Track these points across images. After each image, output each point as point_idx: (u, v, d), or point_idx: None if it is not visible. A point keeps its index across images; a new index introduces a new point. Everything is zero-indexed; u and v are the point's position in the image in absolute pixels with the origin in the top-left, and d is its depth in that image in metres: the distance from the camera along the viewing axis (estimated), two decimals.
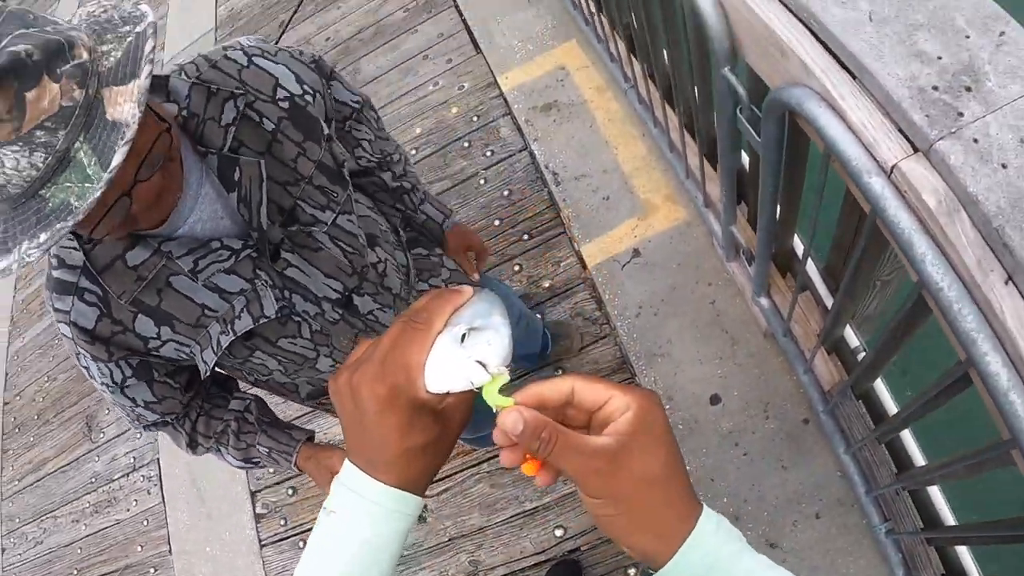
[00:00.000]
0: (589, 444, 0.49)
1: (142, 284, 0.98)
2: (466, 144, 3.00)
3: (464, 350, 0.53)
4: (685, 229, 2.24)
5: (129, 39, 0.76)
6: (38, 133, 0.68)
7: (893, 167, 0.93)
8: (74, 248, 0.96)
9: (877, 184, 0.94)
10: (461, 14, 3.55)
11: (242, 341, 1.07)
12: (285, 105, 1.04)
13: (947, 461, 1.24)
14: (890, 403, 1.71)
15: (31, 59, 0.68)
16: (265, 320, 1.06)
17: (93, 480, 3.42)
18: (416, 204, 1.45)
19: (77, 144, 0.70)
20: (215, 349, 1.06)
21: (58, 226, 0.71)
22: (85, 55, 0.71)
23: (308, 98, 1.07)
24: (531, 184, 2.71)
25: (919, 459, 1.66)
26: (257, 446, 1.26)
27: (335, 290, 1.14)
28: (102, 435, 3.50)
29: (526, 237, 2.59)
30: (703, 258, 2.16)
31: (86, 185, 0.71)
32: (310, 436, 1.34)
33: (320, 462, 1.30)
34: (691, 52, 1.65)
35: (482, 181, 2.85)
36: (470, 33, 3.43)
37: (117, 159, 0.71)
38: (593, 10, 2.68)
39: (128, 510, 3.25)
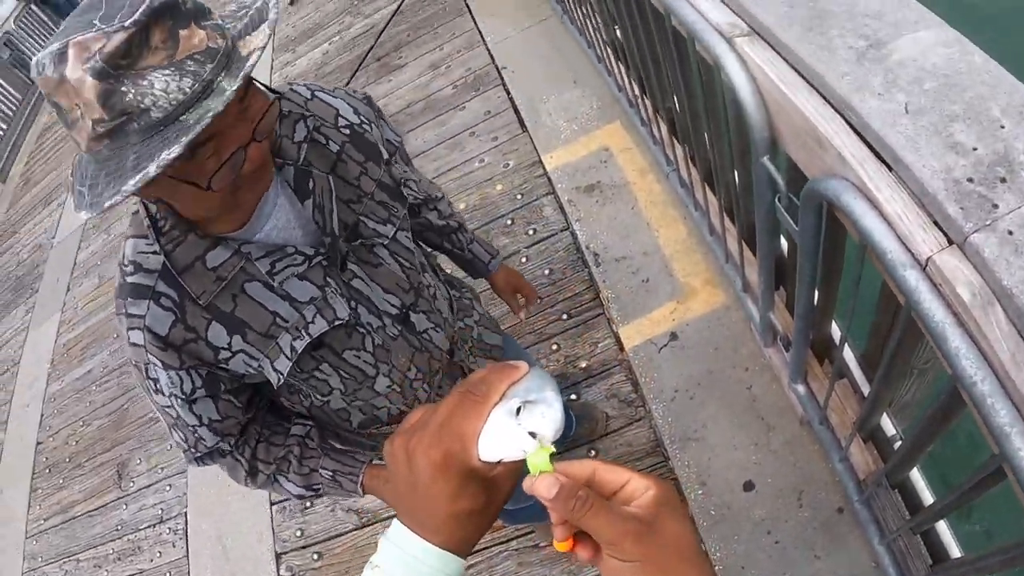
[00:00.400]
0: (624, 510, 0.52)
1: (221, 284, 1.02)
2: (509, 221, 3.08)
3: (518, 422, 0.57)
4: (723, 313, 2.27)
5: (252, 8, 0.89)
6: (188, 63, 0.78)
7: (928, 260, 0.95)
8: (153, 252, 1.00)
9: (912, 277, 0.97)
10: (508, 93, 3.71)
11: (311, 352, 1.12)
12: (346, 132, 1.15)
13: (983, 554, 1.23)
14: (926, 493, 1.68)
15: (184, 6, 0.79)
16: (339, 323, 1.12)
17: (119, 528, 3.44)
18: (465, 243, 1.58)
19: (219, 78, 0.80)
20: (288, 355, 1.10)
21: (193, 134, 0.77)
22: (217, 18, 0.84)
23: (366, 127, 1.18)
24: (572, 264, 2.76)
25: (955, 551, 1.63)
26: (320, 470, 1.26)
27: (394, 305, 1.21)
28: (132, 484, 3.54)
29: (565, 317, 2.63)
30: (740, 343, 2.18)
31: (214, 99, 0.80)
32: (375, 456, 1.33)
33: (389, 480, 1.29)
34: (732, 139, 1.71)
35: (524, 259, 2.91)
36: (517, 112, 3.57)
37: (247, 69, 0.81)
38: (637, 93, 2.79)
39: (151, 560, 3.26)
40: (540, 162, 3.22)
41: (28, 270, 6.14)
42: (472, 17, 4.48)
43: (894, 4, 1.18)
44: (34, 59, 0.79)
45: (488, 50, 4.09)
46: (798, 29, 1.21)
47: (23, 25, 10.54)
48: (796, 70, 1.20)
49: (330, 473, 1.26)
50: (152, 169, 0.75)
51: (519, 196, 3.16)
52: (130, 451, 3.70)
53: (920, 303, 0.96)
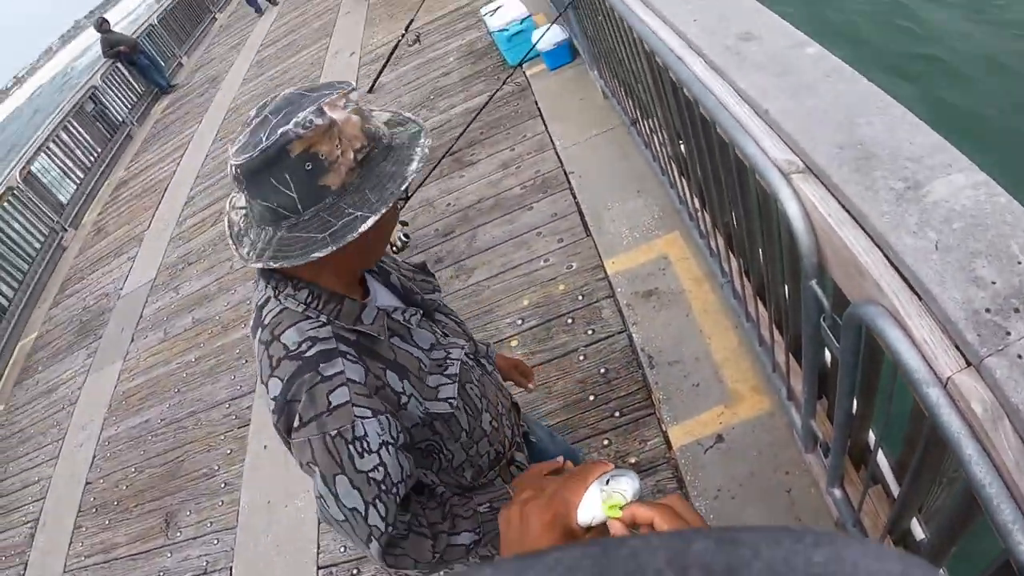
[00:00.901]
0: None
1: (383, 335, 1.17)
2: (569, 320, 3.28)
3: (607, 490, 0.81)
4: (768, 419, 2.43)
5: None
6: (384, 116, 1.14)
7: (948, 379, 1.12)
8: (320, 326, 1.11)
9: (934, 394, 1.14)
10: (575, 197, 3.98)
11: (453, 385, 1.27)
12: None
13: None
14: None
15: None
16: (466, 357, 1.32)
17: (161, 574, 3.57)
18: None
19: (401, 128, 1.13)
20: (452, 377, 1.26)
21: (423, 141, 1.10)
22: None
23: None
24: (627, 364, 2.94)
25: None
26: (478, 507, 1.29)
27: (462, 342, 1.36)
28: (179, 534, 3.69)
29: (617, 414, 2.79)
30: (782, 448, 2.33)
31: (412, 125, 1.13)
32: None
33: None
34: (784, 260, 1.91)
35: (581, 357, 3.09)
36: (582, 216, 3.82)
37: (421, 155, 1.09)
38: (697, 207, 3.03)
39: None
40: (602, 266, 3.44)
41: (93, 316, 6.48)
42: (543, 121, 4.84)
43: (932, 148, 1.38)
44: (291, 124, 0.99)
45: (557, 154, 4.41)
46: (846, 170, 1.43)
47: (108, 81, 11.37)
48: (843, 206, 1.42)
49: (486, 506, 1.27)
50: (413, 167, 1.06)
51: (580, 297, 3.36)
52: (180, 502, 3.86)
53: (940, 416, 1.14)
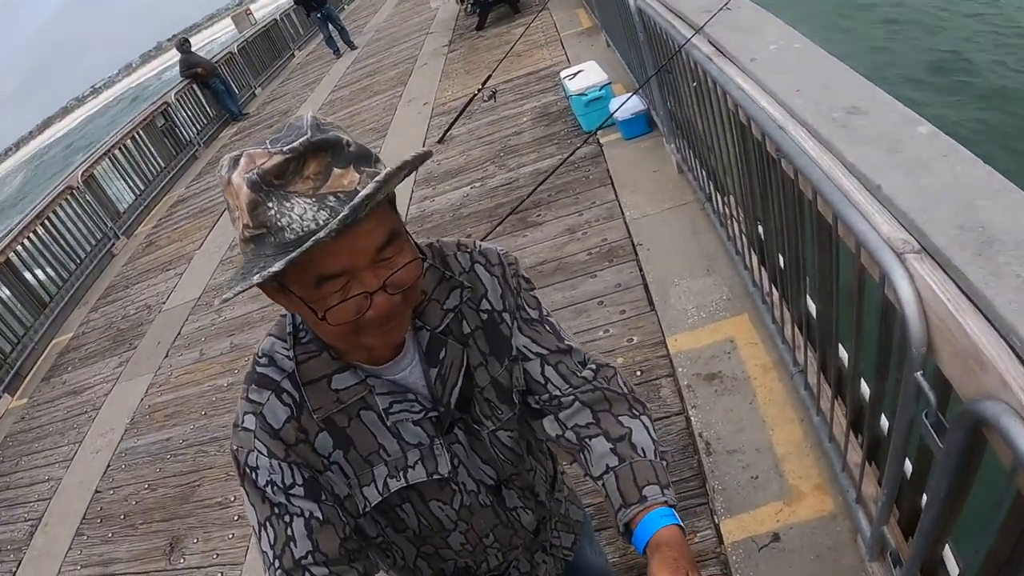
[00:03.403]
0: None
1: (338, 407, 1.08)
2: None
3: None
4: (829, 522, 2.29)
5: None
6: (330, 198, 0.85)
7: None
8: (288, 357, 1.08)
9: None
10: (641, 269, 3.93)
11: (400, 491, 1.15)
12: (484, 317, 1.18)
13: None
14: None
15: (348, 148, 0.89)
16: (437, 477, 1.16)
17: None
18: (594, 474, 1.19)
19: (346, 209, 0.84)
20: (380, 489, 1.14)
21: (295, 254, 0.82)
22: (382, 169, 0.91)
23: (505, 316, 1.21)
24: (682, 449, 2.82)
25: None
26: None
27: (489, 476, 1.25)
28: (182, 560, 3.60)
29: None
30: (843, 554, 2.18)
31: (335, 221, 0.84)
32: None
33: None
34: (877, 350, 1.82)
35: None
36: (647, 289, 3.76)
37: (358, 199, 0.83)
38: (770, 290, 2.96)
39: None
40: (664, 343, 3.36)
41: (131, 326, 6.57)
42: (615, 189, 4.84)
43: None
44: (221, 159, 0.92)
45: (626, 224, 4.38)
46: (968, 253, 1.36)
47: (181, 100, 11.84)
48: (963, 292, 1.34)
49: None
50: (254, 279, 0.84)
51: (639, 372, 3.27)
52: (189, 528, 3.79)
53: None
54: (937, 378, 1.47)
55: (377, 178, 0.85)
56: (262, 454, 1.05)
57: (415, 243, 1.02)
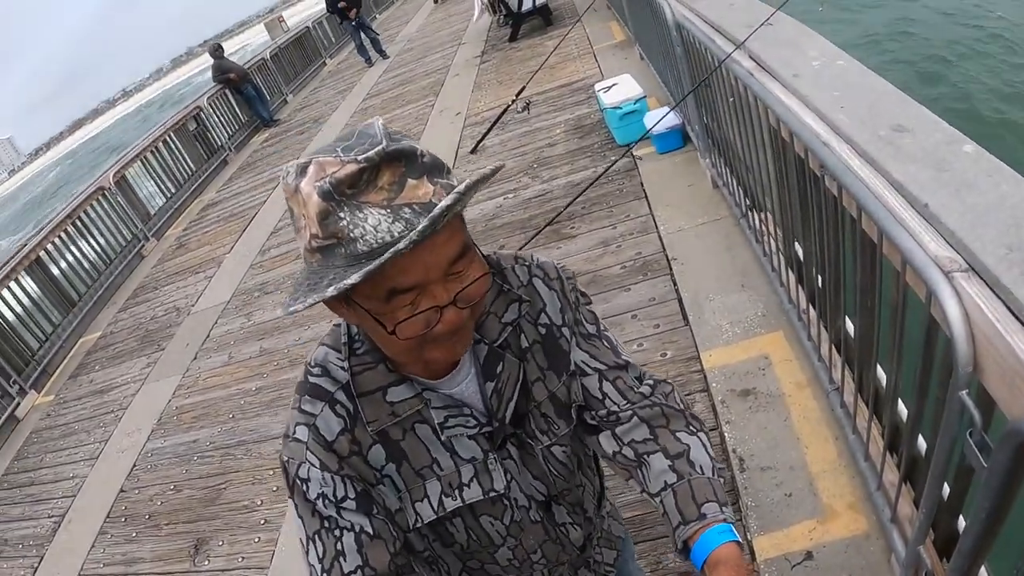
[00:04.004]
0: None
1: (394, 420, 1.07)
2: None
3: None
4: (863, 541, 2.28)
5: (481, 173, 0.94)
6: (405, 210, 0.84)
7: None
8: (343, 368, 1.08)
9: None
10: (675, 284, 3.94)
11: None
12: (543, 331, 1.18)
13: None
14: None
15: (422, 158, 0.88)
16: (493, 494, 1.16)
17: None
18: (651, 490, 1.19)
19: (425, 220, 0.83)
20: (435, 507, 1.13)
21: (372, 266, 0.81)
22: (454, 180, 0.91)
23: (564, 331, 1.20)
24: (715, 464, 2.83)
25: None
26: None
27: (540, 492, 1.24)
28: (207, 562, 3.65)
29: None
30: (876, 573, 2.17)
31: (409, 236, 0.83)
32: None
33: None
34: (918, 370, 1.82)
35: None
36: (681, 304, 3.77)
37: (437, 211, 0.83)
38: (807, 307, 2.97)
39: None
40: (698, 358, 3.37)
41: (160, 327, 6.68)
42: (648, 203, 4.87)
43: None
44: (284, 166, 0.91)
45: (660, 238, 4.41)
46: (1016, 272, 1.37)
47: (213, 105, 12.06)
48: (1012, 311, 1.35)
49: None
50: (329, 292, 0.83)
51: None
52: (214, 530, 3.83)
53: None
54: (982, 397, 1.48)
55: (457, 189, 0.84)
56: (314, 466, 1.05)
57: (483, 256, 1.01)
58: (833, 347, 2.67)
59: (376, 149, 0.84)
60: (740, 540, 1.09)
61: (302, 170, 0.87)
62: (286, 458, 1.07)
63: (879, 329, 2.09)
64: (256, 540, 3.62)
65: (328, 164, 0.84)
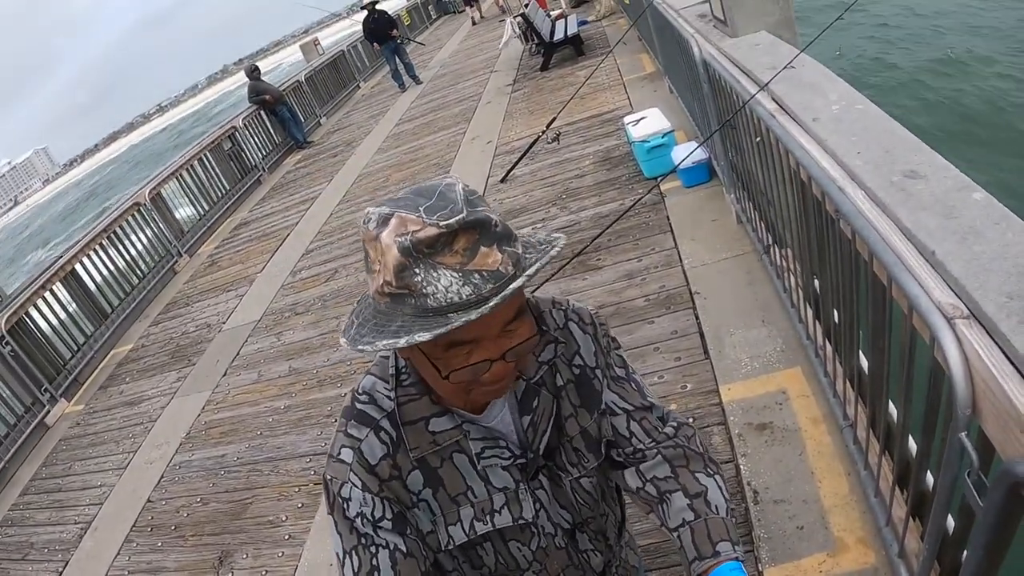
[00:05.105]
0: None
1: (434, 448, 1.16)
2: None
3: None
4: (871, 575, 2.37)
5: (546, 251, 1.05)
6: (475, 276, 0.91)
7: None
8: (389, 397, 1.16)
9: None
10: (698, 318, 4.02)
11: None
12: (576, 371, 1.27)
13: None
14: None
15: (495, 228, 0.94)
16: (522, 522, 1.25)
17: None
18: (670, 525, 1.28)
19: (495, 298, 0.92)
20: (466, 531, 1.22)
21: (443, 330, 0.90)
22: (519, 248, 0.98)
23: (597, 372, 1.30)
24: (731, 496, 2.87)
25: None
26: None
27: (566, 520, 1.32)
28: (230, 575, 3.74)
29: None
30: None
31: (476, 309, 0.92)
32: None
33: None
34: (924, 410, 1.89)
35: None
36: (703, 338, 3.84)
37: (508, 291, 0.92)
38: (823, 344, 3.04)
39: None
40: (717, 391, 3.43)
41: (191, 342, 6.84)
42: (674, 237, 4.95)
43: None
44: (368, 210, 0.97)
45: (684, 272, 4.49)
46: (1015, 321, 1.46)
47: (248, 125, 12.34)
48: (1008, 358, 1.44)
49: None
50: (401, 343, 0.91)
51: (691, 419, 3.34)
52: (240, 544, 3.93)
53: None
54: (980, 439, 1.56)
55: (528, 272, 0.95)
56: (356, 487, 1.13)
57: (532, 315, 1.08)
58: (848, 383, 2.74)
59: (456, 218, 0.90)
60: None
61: (384, 220, 0.94)
62: (329, 477, 1.15)
63: (890, 367, 2.17)
64: (280, 555, 3.71)
65: (410, 222, 0.91)
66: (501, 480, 1.22)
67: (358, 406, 1.18)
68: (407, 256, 0.91)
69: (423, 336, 0.90)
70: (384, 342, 0.93)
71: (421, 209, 0.92)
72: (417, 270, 0.91)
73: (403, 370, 1.18)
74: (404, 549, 1.15)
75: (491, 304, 0.91)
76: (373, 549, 1.14)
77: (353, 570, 1.14)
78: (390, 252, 0.92)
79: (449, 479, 1.19)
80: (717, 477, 1.32)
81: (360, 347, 0.95)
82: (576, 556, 1.38)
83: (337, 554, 1.16)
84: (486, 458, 1.19)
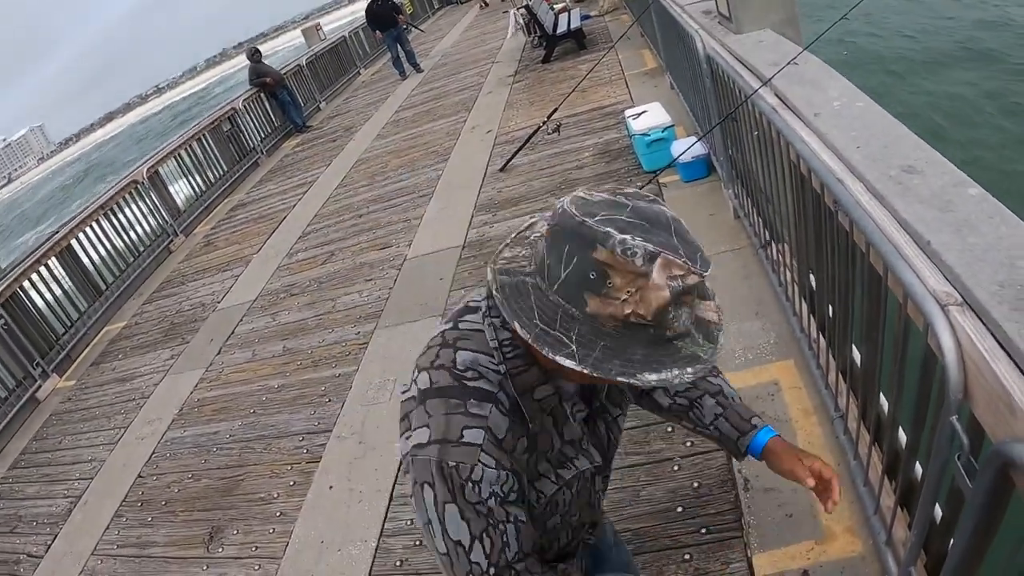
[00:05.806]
0: None
1: (543, 414, 1.21)
2: (669, 429, 3.28)
3: None
4: (858, 563, 2.38)
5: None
6: (695, 316, 1.01)
7: None
8: (495, 370, 1.16)
9: None
10: None
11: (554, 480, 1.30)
12: None
13: None
14: None
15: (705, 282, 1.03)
16: (596, 466, 1.35)
17: None
18: (705, 422, 1.61)
19: (705, 344, 1.00)
20: (555, 480, 1.28)
21: (690, 370, 0.97)
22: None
23: None
24: (721, 484, 2.92)
25: None
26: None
27: (596, 459, 1.37)
28: (220, 550, 3.76)
29: (703, 531, 2.76)
30: None
31: (702, 350, 1.00)
32: None
33: None
34: (916, 400, 1.93)
35: (675, 467, 3.09)
36: None
37: (720, 343, 1.03)
38: (817, 337, 3.08)
39: None
40: None
41: (185, 320, 6.86)
42: None
43: None
44: (621, 237, 0.95)
45: None
46: (1007, 308, 1.50)
47: (248, 108, 12.35)
48: (999, 343, 1.48)
49: None
50: (627, 379, 0.95)
51: None
52: (230, 520, 3.95)
53: None
54: (971, 424, 1.60)
55: (719, 343, 1.03)
56: (488, 467, 1.11)
57: None
58: (840, 375, 2.78)
59: (700, 265, 0.97)
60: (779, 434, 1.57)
61: (652, 258, 0.94)
62: (452, 463, 1.10)
63: (882, 359, 2.20)
64: (271, 531, 3.74)
65: (675, 266, 0.94)
66: (571, 432, 1.29)
67: (471, 384, 1.16)
68: (676, 299, 0.96)
69: (652, 378, 0.96)
70: (651, 377, 0.96)
71: (681, 252, 0.95)
72: (673, 309, 0.96)
73: (505, 342, 1.17)
74: (523, 519, 1.18)
75: (708, 362, 0.99)
76: (501, 527, 1.14)
77: (485, 553, 1.12)
78: (660, 293, 0.95)
79: (541, 440, 1.23)
80: (722, 376, 1.66)
81: (614, 376, 0.96)
82: (594, 496, 1.46)
83: (459, 542, 1.12)
84: (576, 415, 1.29)
